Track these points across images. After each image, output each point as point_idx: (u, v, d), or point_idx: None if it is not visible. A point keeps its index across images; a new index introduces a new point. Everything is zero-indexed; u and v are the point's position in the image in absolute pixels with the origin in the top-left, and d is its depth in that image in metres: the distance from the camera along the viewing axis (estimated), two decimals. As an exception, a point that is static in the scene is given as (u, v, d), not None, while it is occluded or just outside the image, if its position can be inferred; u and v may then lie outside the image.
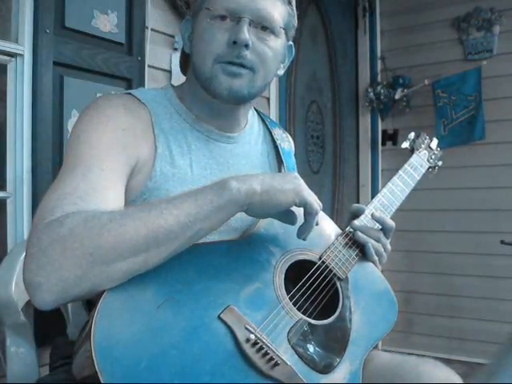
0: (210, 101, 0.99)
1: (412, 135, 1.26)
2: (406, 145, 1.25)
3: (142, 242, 0.74)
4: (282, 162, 1.12)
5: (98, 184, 0.82)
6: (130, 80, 1.79)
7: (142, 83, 1.82)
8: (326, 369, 0.86)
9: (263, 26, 0.94)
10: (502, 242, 2.71)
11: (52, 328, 1.24)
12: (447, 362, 0.93)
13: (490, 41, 2.98)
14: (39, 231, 0.73)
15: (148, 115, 0.95)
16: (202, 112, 1.01)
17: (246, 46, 0.92)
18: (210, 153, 1.00)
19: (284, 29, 0.98)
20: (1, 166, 1.52)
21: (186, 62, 1.08)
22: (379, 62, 3.32)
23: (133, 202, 0.91)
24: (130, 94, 0.98)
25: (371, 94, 3.21)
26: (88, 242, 0.71)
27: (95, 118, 0.90)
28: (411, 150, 1.24)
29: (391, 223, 1.04)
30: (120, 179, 0.87)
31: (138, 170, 0.91)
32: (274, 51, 0.97)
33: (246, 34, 0.91)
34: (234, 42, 0.92)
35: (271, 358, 0.79)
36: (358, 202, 3.29)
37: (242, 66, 0.94)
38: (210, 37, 0.93)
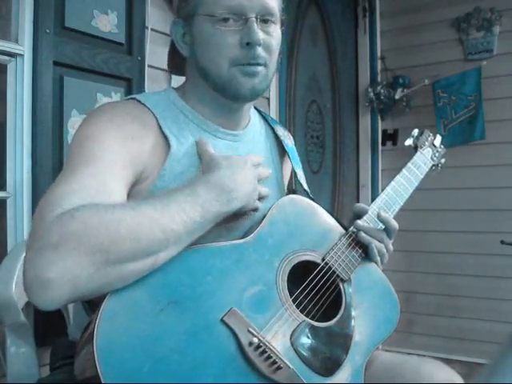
0: (216, 101, 0.99)
1: (416, 132, 1.24)
2: (409, 142, 1.22)
3: (156, 243, 0.74)
4: (289, 157, 1.13)
5: (107, 187, 0.81)
6: (130, 80, 1.79)
7: (142, 83, 1.82)
8: (329, 371, 0.86)
9: (266, 19, 0.95)
10: (502, 242, 2.71)
11: (52, 328, 1.24)
12: (447, 361, 0.94)
13: (489, 41, 2.98)
14: (48, 224, 0.71)
15: (154, 121, 0.95)
16: (207, 111, 1.01)
17: (259, 44, 0.93)
18: (217, 151, 0.99)
19: (281, 15, 1.00)
20: (1, 166, 1.52)
21: (175, 61, 1.07)
22: (379, 62, 3.32)
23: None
24: (134, 99, 0.98)
25: (371, 94, 3.20)
26: (104, 239, 0.70)
27: (105, 123, 0.90)
28: (415, 148, 1.22)
29: (395, 224, 1.04)
30: (126, 187, 0.87)
31: (146, 176, 0.91)
32: (277, 40, 0.98)
33: (258, 33, 0.92)
34: (248, 44, 0.92)
35: (274, 362, 0.79)
36: (358, 202, 3.28)
37: (258, 64, 0.95)
38: (219, 41, 0.93)
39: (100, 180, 0.81)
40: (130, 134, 0.90)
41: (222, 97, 0.98)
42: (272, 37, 0.96)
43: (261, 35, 0.93)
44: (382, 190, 1.10)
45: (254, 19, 0.92)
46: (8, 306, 1.10)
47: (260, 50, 0.94)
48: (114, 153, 0.86)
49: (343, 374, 0.87)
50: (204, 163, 0.93)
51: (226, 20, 0.92)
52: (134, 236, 0.72)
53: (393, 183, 1.11)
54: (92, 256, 0.69)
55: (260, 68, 0.95)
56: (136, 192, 0.90)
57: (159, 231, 0.74)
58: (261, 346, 0.79)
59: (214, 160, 0.91)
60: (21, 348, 1.05)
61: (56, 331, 1.19)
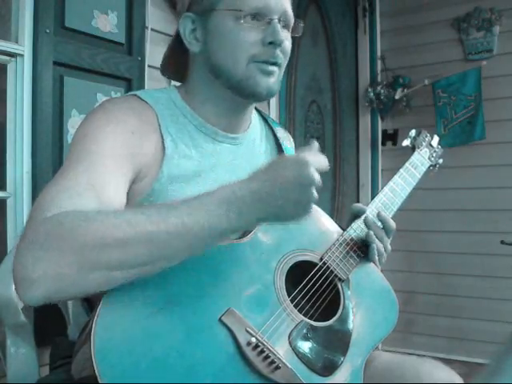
0: (223, 100, 0.99)
1: (413, 133, 1.24)
2: (406, 142, 1.23)
3: (143, 257, 0.72)
4: None
5: (98, 181, 0.80)
6: (130, 80, 1.79)
7: (142, 83, 1.82)
8: (328, 371, 0.86)
9: (285, 24, 0.97)
10: (502, 242, 2.71)
11: (52, 328, 1.24)
12: (447, 361, 0.93)
13: (489, 41, 2.98)
14: (37, 225, 0.72)
15: (155, 117, 0.95)
16: (209, 113, 1.00)
17: (280, 44, 0.95)
18: (216, 154, 0.99)
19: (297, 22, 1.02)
20: (1, 166, 1.52)
21: (173, 63, 1.06)
22: (379, 62, 3.32)
23: (139, 203, 0.90)
24: (135, 95, 0.98)
25: (371, 93, 3.20)
26: (89, 243, 0.70)
27: (104, 120, 0.90)
28: (412, 148, 1.23)
29: (393, 224, 1.04)
30: (123, 180, 0.86)
31: (144, 174, 0.91)
32: (290, 44, 1.00)
33: (282, 34, 0.94)
34: (271, 43, 0.93)
35: (272, 361, 0.79)
36: (358, 202, 3.28)
37: (275, 64, 0.96)
38: (240, 37, 0.93)
39: (92, 175, 0.81)
40: (131, 128, 0.90)
41: (235, 94, 0.98)
42: (288, 41, 0.98)
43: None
44: (381, 189, 1.10)
45: (276, 20, 0.94)
46: (8, 306, 1.10)
47: (278, 51, 0.95)
48: (111, 147, 0.86)
49: (342, 373, 0.88)
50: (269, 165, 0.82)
51: (252, 17, 0.93)
52: (121, 247, 0.71)
53: (390, 183, 1.11)
54: (75, 257, 0.69)
55: (276, 68, 0.97)
56: (133, 192, 0.90)
57: (147, 245, 0.71)
58: (259, 346, 0.79)
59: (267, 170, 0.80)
60: (21, 348, 1.05)
61: (56, 331, 1.19)
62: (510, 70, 2.92)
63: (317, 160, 0.82)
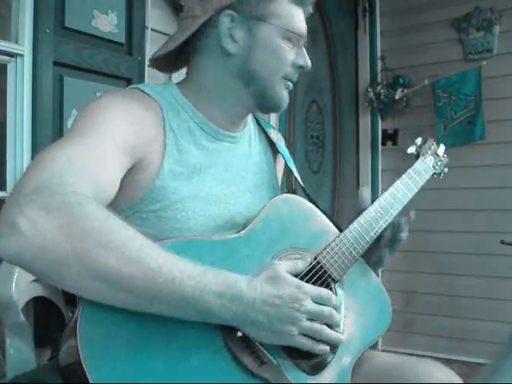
0: (236, 104, 1.01)
1: (419, 140, 1.22)
2: (412, 150, 1.21)
3: (121, 285, 0.71)
4: (284, 157, 1.13)
5: (100, 159, 0.81)
6: (130, 80, 1.80)
7: (141, 83, 1.82)
8: (315, 370, 0.86)
9: None
10: (502, 242, 2.71)
11: (52, 328, 1.24)
12: (447, 362, 0.93)
13: (489, 41, 2.98)
14: (52, 193, 0.71)
15: (159, 110, 0.95)
16: (213, 112, 1.00)
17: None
18: (217, 152, 0.99)
19: None
20: (1, 166, 1.52)
21: (177, 57, 1.05)
22: (379, 62, 3.32)
23: (141, 200, 0.90)
24: (138, 88, 0.97)
25: (371, 93, 3.21)
26: (95, 239, 0.69)
27: (110, 104, 0.90)
28: (417, 156, 1.20)
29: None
30: (120, 161, 0.85)
31: (145, 167, 0.90)
32: None
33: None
34: (301, 67, 1.01)
35: (258, 356, 0.79)
36: (357, 202, 3.28)
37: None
38: (285, 55, 0.99)
39: (95, 152, 0.81)
40: (135, 118, 0.90)
41: (256, 104, 1.02)
42: None
43: None
44: (382, 193, 1.10)
45: (303, 45, 1.02)
46: (8, 306, 1.10)
47: None
48: (113, 131, 0.85)
49: (329, 373, 0.87)
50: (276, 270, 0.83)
51: (292, 40, 0.99)
52: (124, 267, 0.70)
53: (392, 189, 1.09)
54: (75, 243, 0.68)
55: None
56: (134, 186, 0.89)
57: (164, 302, 0.72)
58: (245, 340, 0.79)
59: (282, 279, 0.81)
60: (20, 348, 1.05)
61: (56, 331, 1.19)
62: (509, 70, 2.92)
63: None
